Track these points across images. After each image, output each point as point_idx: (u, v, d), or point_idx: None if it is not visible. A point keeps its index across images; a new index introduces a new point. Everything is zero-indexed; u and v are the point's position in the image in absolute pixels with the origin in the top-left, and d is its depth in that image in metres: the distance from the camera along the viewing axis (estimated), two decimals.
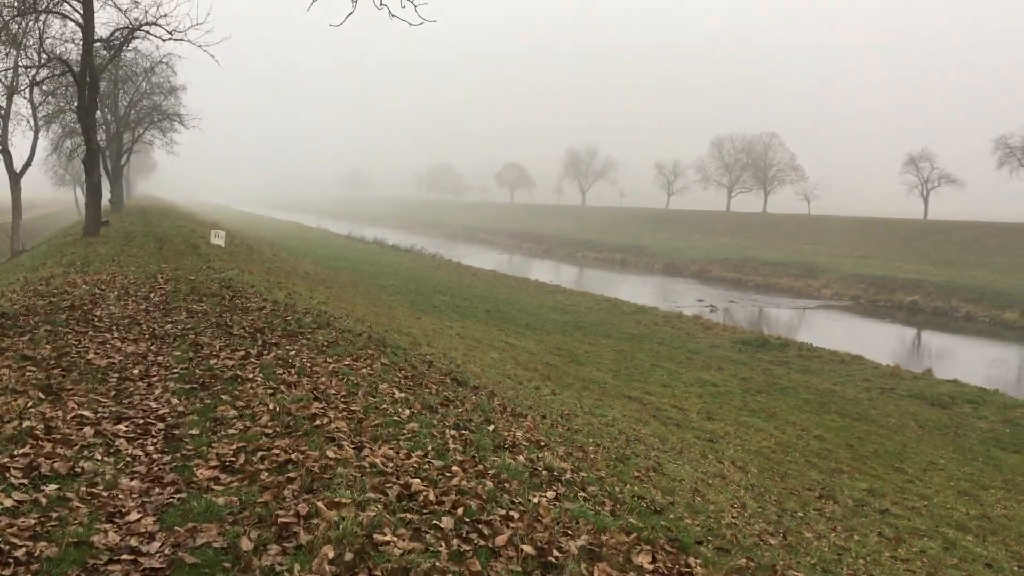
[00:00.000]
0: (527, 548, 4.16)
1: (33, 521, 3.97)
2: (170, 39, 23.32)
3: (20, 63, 31.08)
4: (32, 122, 38.79)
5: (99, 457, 5.05)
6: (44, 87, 35.02)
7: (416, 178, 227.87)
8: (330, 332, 10.09)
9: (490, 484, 4.90)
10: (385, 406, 6.59)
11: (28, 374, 6.81)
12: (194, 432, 5.76)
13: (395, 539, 3.88)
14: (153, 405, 6.34)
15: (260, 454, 5.11)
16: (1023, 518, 11.86)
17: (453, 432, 6.22)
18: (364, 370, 7.92)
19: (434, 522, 4.18)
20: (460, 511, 4.36)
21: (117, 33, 24.04)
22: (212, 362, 7.79)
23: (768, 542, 7.52)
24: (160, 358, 8.04)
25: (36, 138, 38.79)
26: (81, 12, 21.58)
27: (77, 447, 5.13)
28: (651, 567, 4.46)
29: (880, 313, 49.31)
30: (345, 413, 6.16)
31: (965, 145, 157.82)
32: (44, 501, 4.22)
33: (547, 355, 20.42)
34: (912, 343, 38.55)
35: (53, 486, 4.48)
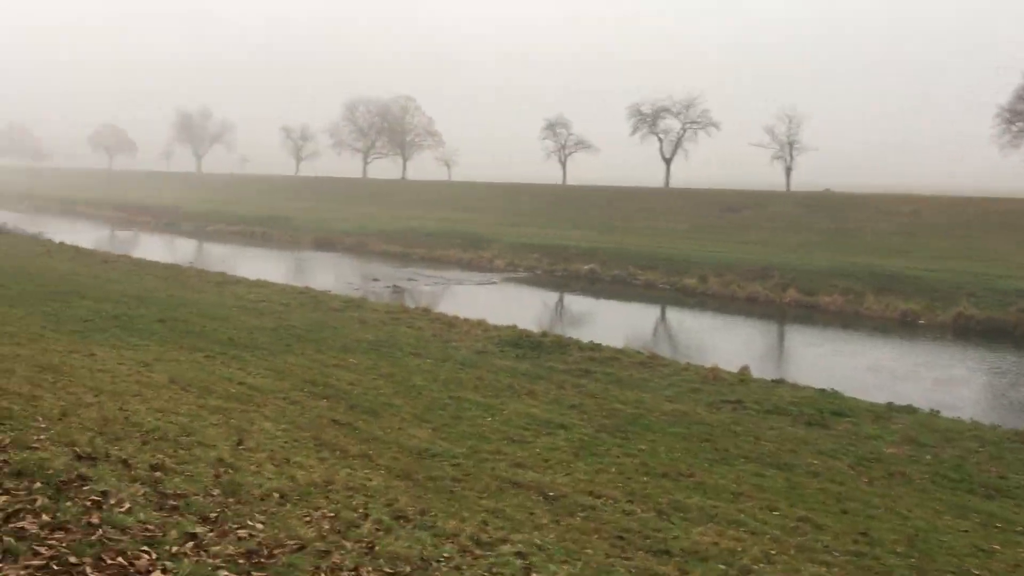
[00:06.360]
0: None
1: None
2: None
3: None
4: None
5: None
6: None
7: None
8: None
9: None
10: None
11: None
12: None
13: None
14: None
15: None
16: None
17: None
18: None
19: None
20: None
21: None
22: None
23: None
24: None
25: None
26: None
27: None
28: None
29: (565, 284, 47.14)
30: None
31: (599, 111, 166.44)
32: None
33: (313, 401, 13.17)
34: (643, 320, 36.31)
35: None
